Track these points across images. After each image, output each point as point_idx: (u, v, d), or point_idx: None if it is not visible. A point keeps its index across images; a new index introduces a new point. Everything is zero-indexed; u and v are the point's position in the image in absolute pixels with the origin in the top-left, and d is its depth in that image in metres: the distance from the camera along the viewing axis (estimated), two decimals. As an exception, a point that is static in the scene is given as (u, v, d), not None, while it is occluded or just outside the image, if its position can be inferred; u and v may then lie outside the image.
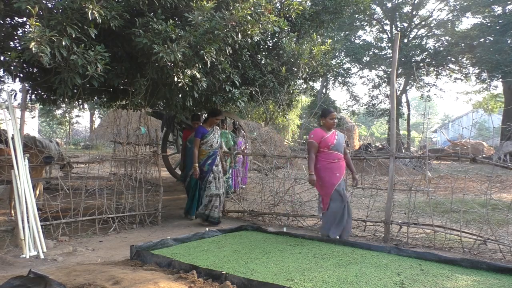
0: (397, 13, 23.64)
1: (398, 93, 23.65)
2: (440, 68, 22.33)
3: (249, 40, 5.03)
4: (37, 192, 5.65)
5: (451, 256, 3.55)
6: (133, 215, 5.43)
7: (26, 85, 5.04)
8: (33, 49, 3.52)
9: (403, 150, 13.99)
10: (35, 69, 5.24)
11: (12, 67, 4.36)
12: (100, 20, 3.92)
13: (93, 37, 4.10)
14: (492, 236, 4.23)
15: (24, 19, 4.60)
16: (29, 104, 9.11)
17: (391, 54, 22.18)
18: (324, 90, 27.33)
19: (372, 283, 2.87)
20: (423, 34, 23.82)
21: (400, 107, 23.48)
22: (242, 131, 9.13)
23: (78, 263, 3.63)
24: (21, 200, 4.01)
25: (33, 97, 5.93)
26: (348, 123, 29.65)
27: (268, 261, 3.44)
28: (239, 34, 4.76)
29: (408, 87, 24.80)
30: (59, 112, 25.15)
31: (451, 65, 22.69)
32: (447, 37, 22.07)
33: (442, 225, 4.59)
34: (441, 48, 21.79)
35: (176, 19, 4.87)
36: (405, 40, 22.36)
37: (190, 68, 4.65)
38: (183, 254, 3.67)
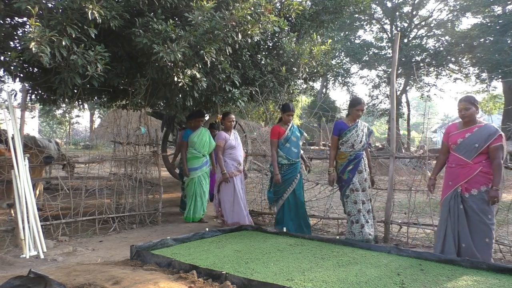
0: (397, 13, 23.65)
1: (398, 93, 23.65)
2: (440, 68, 22.33)
3: (249, 40, 5.03)
4: (37, 192, 5.66)
5: (451, 256, 3.54)
6: (133, 215, 5.43)
7: (26, 85, 5.04)
8: (33, 49, 3.52)
9: (403, 150, 13.98)
10: (35, 69, 5.24)
11: (12, 67, 4.36)
12: (100, 20, 3.92)
13: (93, 37, 4.10)
14: (492, 236, 4.22)
15: (24, 19, 4.60)
16: (29, 104, 9.12)
17: (391, 54, 22.19)
18: (324, 90, 27.35)
19: (372, 283, 2.87)
20: (423, 34, 23.83)
21: (400, 107, 23.49)
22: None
23: (78, 263, 3.63)
24: (21, 200, 4.01)
25: (33, 97, 5.93)
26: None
27: (268, 261, 3.44)
28: (239, 34, 4.76)
29: (408, 87, 24.81)
30: (59, 112, 25.17)
31: (451, 65, 22.70)
32: (447, 37, 22.08)
33: (442, 225, 4.58)
34: (441, 48, 21.81)
35: (176, 19, 4.88)
36: (405, 40, 22.37)
37: (190, 68, 4.65)
38: (183, 254, 3.67)
